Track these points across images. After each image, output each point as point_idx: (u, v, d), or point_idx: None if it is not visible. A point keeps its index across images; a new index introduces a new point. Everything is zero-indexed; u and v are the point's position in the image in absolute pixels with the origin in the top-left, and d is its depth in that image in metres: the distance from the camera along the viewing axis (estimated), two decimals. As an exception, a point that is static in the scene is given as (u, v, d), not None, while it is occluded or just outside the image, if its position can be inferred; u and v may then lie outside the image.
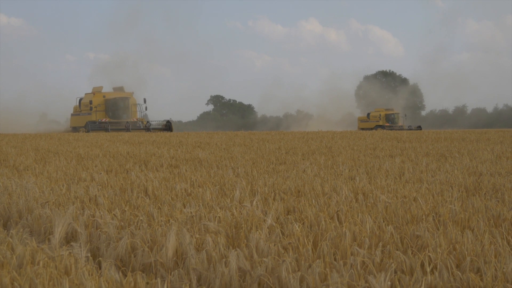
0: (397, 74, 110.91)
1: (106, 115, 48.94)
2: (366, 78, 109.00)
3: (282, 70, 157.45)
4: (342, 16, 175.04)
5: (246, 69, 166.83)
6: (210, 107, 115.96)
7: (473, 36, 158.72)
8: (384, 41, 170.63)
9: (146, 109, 49.93)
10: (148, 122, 47.70)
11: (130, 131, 42.69)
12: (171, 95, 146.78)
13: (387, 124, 64.85)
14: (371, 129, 60.25)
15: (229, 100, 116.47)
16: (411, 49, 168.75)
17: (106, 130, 45.24)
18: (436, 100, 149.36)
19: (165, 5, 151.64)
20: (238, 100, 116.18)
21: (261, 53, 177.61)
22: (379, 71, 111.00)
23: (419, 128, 61.76)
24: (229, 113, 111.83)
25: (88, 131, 43.89)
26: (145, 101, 49.85)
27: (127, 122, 47.42)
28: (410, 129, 60.48)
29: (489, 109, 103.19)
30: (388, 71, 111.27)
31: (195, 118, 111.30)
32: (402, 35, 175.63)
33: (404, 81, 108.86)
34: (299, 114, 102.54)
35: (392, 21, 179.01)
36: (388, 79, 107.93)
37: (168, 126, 46.98)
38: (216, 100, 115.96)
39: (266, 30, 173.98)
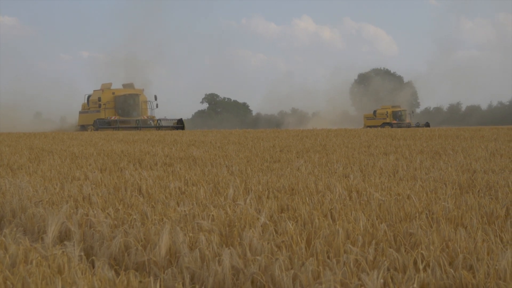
0: (392, 71, 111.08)
1: (115, 112, 47.68)
2: (361, 76, 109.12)
3: (277, 69, 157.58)
4: (336, 14, 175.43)
5: (240, 68, 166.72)
6: (205, 105, 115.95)
7: (468, 34, 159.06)
8: (378, 39, 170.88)
9: (157, 106, 48.72)
10: (158, 120, 46.62)
11: (140, 129, 41.78)
12: (166, 93, 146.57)
13: (394, 122, 62.87)
14: (378, 126, 58.68)
15: (224, 98, 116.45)
16: (406, 47, 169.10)
17: (116, 128, 44.00)
18: (433, 97, 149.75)
19: (161, 4, 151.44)
20: (232, 99, 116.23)
21: (256, 51, 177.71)
22: (373, 69, 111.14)
23: (427, 125, 60.28)
24: (224, 112, 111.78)
25: (96, 129, 42.80)
26: (156, 98, 48.66)
27: (137, 120, 46.27)
28: (417, 126, 59.24)
29: (484, 106, 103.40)
30: (382, 68, 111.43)
31: (189, 116, 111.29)
32: (396, 32, 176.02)
33: (398, 78, 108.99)
34: (294, 112, 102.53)
35: (386, 19, 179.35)
36: (382, 76, 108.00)
37: (180, 124, 45.95)
38: (211, 98, 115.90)
39: (260, 29, 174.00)
